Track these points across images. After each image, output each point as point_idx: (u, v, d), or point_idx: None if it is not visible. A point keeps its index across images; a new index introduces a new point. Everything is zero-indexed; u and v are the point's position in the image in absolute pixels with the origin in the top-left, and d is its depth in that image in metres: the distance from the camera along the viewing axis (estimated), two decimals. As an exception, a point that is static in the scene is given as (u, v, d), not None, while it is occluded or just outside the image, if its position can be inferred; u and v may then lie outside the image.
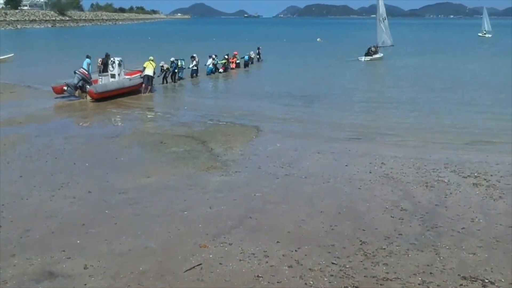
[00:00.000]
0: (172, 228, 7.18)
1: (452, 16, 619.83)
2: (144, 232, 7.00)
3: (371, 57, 37.78)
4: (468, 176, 9.83)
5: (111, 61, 20.46)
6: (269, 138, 13.18)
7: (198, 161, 10.75)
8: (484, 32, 76.48)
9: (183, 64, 25.24)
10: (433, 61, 36.57)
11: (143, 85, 20.67)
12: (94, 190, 8.79)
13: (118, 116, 16.21)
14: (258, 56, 35.96)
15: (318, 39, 66.08)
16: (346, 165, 10.65)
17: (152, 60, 21.15)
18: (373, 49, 38.69)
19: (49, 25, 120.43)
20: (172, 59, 24.45)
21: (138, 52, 34.52)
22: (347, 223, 7.47)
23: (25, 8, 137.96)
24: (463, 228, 7.27)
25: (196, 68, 26.59)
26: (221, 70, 29.29)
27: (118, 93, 19.38)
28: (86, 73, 18.99)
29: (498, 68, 31.58)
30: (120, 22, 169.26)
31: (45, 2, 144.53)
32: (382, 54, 39.04)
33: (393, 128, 14.39)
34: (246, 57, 32.67)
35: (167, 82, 24.14)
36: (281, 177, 9.75)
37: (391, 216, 7.74)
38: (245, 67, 32.36)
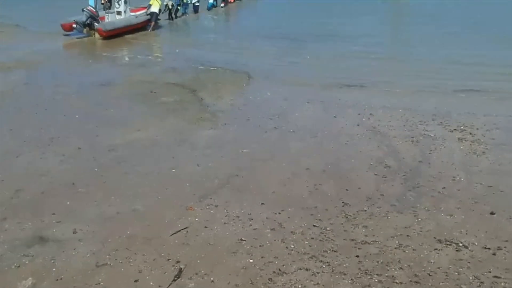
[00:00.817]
0: (160, 188, 7.34)
1: None
2: (132, 193, 7.16)
3: None
4: (455, 130, 9.91)
5: None
6: (260, 86, 13.13)
7: (188, 113, 10.78)
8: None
9: (187, 0, 25.56)
10: None
11: (151, 22, 21.25)
12: (83, 146, 8.87)
13: (111, 61, 16.02)
14: None
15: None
16: (334, 117, 10.71)
17: None
18: None
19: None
20: None
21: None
22: (331, 182, 7.63)
23: None
24: (444, 188, 7.45)
25: (198, 4, 26.78)
26: (222, 4, 29.14)
27: (125, 30, 19.95)
28: (94, 10, 19.14)
29: None
30: None
31: None
32: None
33: (387, 74, 14.30)
34: None
35: (172, 19, 24.71)
36: (269, 130, 9.82)
37: (375, 174, 7.90)
38: None
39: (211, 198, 7.04)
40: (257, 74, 14.20)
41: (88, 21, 19.02)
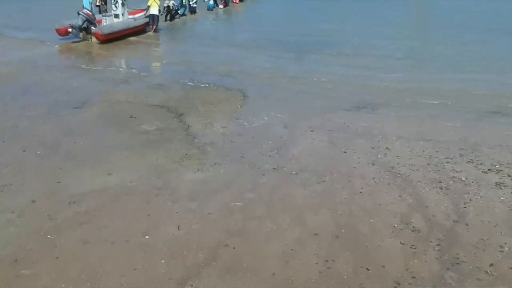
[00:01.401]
0: (127, 267, 5.68)
1: None
2: (89, 276, 5.49)
3: None
4: (489, 170, 8.30)
5: (114, 0, 19.37)
6: (256, 108, 11.46)
7: (171, 147, 9.11)
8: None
9: (186, 1, 24.75)
10: None
11: (150, 25, 20.51)
12: (40, 198, 7.22)
13: (90, 75, 14.28)
14: None
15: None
16: (344, 152, 9.06)
17: None
18: None
19: None
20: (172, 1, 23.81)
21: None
22: (347, 255, 6.00)
23: None
24: (491, 265, 5.80)
25: (195, 5, 25.85)
26: (221, 6, 27.70)
27: (124, 33, 19.09)
28: (90, 13, 18.30)
29: None
30: None
31: None
32: None
33: (400, 93, 12.65)
34: None
35: (171, 20, 23.86)
36: (267, 172, 8.17)
37: (401, 243, 6.25)
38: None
39: (192, 286, 5.37)
40: (253, 92, 12.54)
41: (85, 25, 18.14)
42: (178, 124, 10.32)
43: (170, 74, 14.29)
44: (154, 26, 20.67)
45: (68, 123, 10.29)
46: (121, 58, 16.90)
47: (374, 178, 7.99)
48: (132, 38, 19.80)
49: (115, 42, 18.87)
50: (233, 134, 9.81)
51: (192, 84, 13.28)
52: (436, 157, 8.79)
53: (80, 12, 18.07)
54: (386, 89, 12.96)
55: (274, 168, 8.30)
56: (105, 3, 20.99)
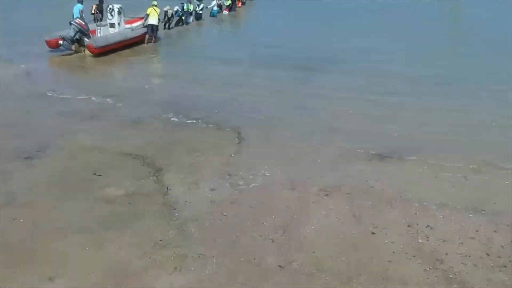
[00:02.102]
0: None
1: None
2: None
3: None
4: None
5: (110, 8, 18.04)
6: (254, 156, 9.19)
7: (142, 227, 6.80)
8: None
9: (189, 8, 23.08)
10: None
11: (147, 35, 18.94)
12: None
13: (54, 107, 11.93)
14: None
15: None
16: (373, 232, 6.75)
17: (155, 6, 19.16)
18: None
19: None
20: (176, 8, 22.43)
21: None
22: None
23: None
24: None
25: (201, 11, 24.39)
26: (225, 11, 26.20)
27: (120, 45, 17.54)
28: (83, 24, 16.85)
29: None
30: None
31: None
32: None
33: (433, 134, 10.34)
34: None
35: (169, 29, 22.21)
36: (271, 273, 5.85)
37: None
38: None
39: None
40: (251, 132, 10.26)
41: (77, 36, 16.73)
42: (155, 185, 8.00)
43: (153, 105, 11.98)
44: (153, 37, 19.04)
45: (11, 186, 7.94)
46: (100, 80, 14.56)
47: (419, 280, 5.68)
48: (127, 50, 17.97)
49: (109, 55, 17.11)
50: (225, 202, 7.52)
51: (176, 120, 10.96)
52: (497, 242, 6.47)
53: (72, 22, 16.63)
54: (415, 126, 10.62)
55: (280, 266, 5.98)
56: (101, 12, 19.11)
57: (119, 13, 18.14)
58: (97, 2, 19.30)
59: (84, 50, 17.02)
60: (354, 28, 22.36)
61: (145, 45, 18.90)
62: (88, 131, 10.20)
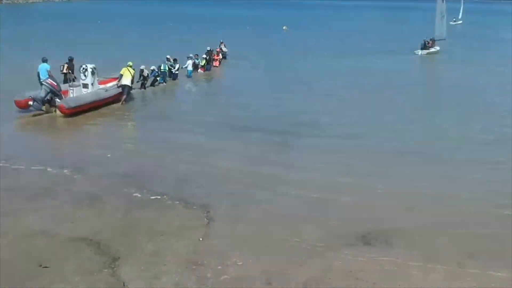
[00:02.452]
0: None
1: None
2: None
3: (427, 51, 36.48)
4: None
5: (83, 68, 17.56)
6: (225, 241, 8.22)
7: None
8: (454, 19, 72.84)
9: (165, 68, 22.88)
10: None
11: (123, 95, 18.47)
12: None
13: (4, 179, 10.73)
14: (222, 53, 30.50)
15: (284, 28, 60.73)
16: None
17: (130, 66, 18.87)
18: (429, 42, 37.17)
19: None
20: (152, 67, 22.35)
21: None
22: None
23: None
24: None
25: (177, 71, 24.18)
26: (200, 71, 26.56)
27: (92, 106, 17.04)
28: (55, 84, 16.39)
29: None
30: None
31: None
32: (438, 48, 37.51)
33: (422, 210, 9.54)
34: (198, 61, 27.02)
35: (145, 88, 21.66)
36: None
37: None
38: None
39: None
40: (221, 211, 9.33)
41: (48, 97, 16.23)
42: (110, 279, 6.88)
43: (115, 177, 10.96)
44: (124, 97, 18.47)
45: None
46: (61, 147, 13.53)
47: None
48: (98, 112, 17.27)
49: (80, 116, 16.53)
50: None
51: (139, 195, 9.93)
52: None
53: (43, 82, 16.11)
54: (399, 204, 9.82)
55: None
56: (72, 71, 18.38)
57: (93, 73, 17.68)
58: (67, 61, 18.50)
59: (54, 111, 16.48)
60: (330, 92, 21.90)
61: (119, 105, 18.34)
62: (38, 210, 9.08)
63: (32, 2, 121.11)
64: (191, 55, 26.09)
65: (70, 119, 16.31)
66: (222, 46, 31.15)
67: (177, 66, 24.36)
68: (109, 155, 12.56)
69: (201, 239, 8.25)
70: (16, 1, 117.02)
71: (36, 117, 16.33)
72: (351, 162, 12.32)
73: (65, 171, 11.27)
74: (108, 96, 18.00)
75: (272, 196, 10.19)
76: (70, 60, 18.69)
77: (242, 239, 8.27)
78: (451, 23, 71.03)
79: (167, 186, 10.55)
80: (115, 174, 11.19)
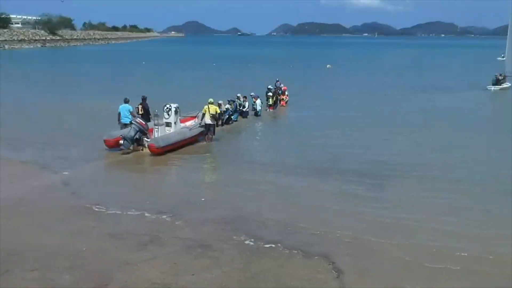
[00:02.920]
0: None
1: (443, 35, 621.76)
2: None
3: (500, 86, 35.70)
4: None
5: (167, 108, 17.95)
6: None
7: None
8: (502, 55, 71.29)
9: (236, 106, 23.15)
10: None
11: (205, 134, 18.76)
12: None
13: (101, 225, 10.32)
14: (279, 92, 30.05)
15: (328, 66, 60.70)
16: None
17: (211, 103, 18.88)
18: (500, 77, 36.42)
19: (39, 45, 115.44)
20: (227, 106, 22.74)
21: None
22: None
23: (15, 26, 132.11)
24: None
25: (247, 109, 24.36)
26: (269, 109, 27.12)
27: (179, 145, 17.34)
28: (143, 123, 16.87)
29: None
30: (113, 41, 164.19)
31: (36, 21, 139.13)
32: (509, 84, 36.61)
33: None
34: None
35: (222, 125, 21.83)
36: None
37: None
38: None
39: None
40: (345, 260, 8.79)
41: (137, 136, 16.55)
42: None
43: (216, 223, 10.42)
44: (211, 136, 18.82)
45: None
46: (152, 190, 13.01)
47: None
48: (182, 151, 17.34)
49: (165, 155, 16.53)
50: None
51: (251, 243, 9.27)
52: None
53: (133, 121, 16.70)
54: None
55: None
56: (145, 110, 18.56)
57: (176, 112, 17.99)
58: (141, 101, 18.67)
59: (142, 149, 16.81)
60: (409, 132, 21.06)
61: (203, 143, 18.63)
62: (151, 261, 8.47)
63: (74, 46, 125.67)
64: (252, 93, 25.83)
65: (157, 158, 16.29)
66: (282, 85, 30.72)
67: (246, 103, 24.11)
68: (203, 199, 11.99)
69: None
70: (58, 44, 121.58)
71: (124, 156, 16.31)
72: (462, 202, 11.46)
73: (164, 216, 10.76)
74: (192, 136, 18.20)
75: (389, 240, 9.37)
76: (144, 99, 18.62)
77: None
78: (499, 58, 69.91)
79: (275, 232, 9.90)
80: (216, 220, 10.61)
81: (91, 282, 7.61)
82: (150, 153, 16.53)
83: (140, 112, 18.29)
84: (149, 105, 18.56)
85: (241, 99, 24.16)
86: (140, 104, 18.55)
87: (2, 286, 7.45)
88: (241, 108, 24.05)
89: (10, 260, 8.40)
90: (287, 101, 29.24)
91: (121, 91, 32.45)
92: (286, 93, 29.55)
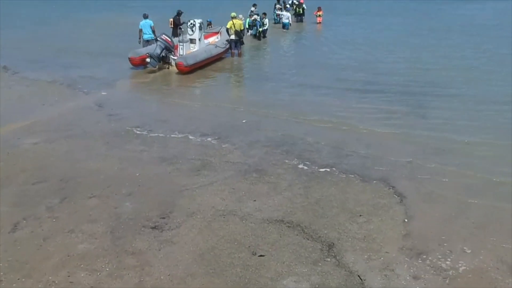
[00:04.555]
0: None
1: None
2: None
3: None
4: None
5: (191, 23, 17.37)
6: (433, 224, 7.34)
7: None
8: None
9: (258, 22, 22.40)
10: None
11: (232, 51, 18.58)
12: None
13: (147, 149, 10.07)
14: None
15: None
16: None
17: (234, 17, 18.41)
18: None
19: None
20: (254, 16, 22.45)
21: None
22: None
23: None
24: None
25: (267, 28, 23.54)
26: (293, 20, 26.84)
27: (206, 63, 16.94)
28: (169, 40, 16.28)
29: None
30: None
31: None
32: None
33: None
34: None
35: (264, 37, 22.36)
36: None
37: None
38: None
39: None
40: (405, 184, 8.63)
41: (163, 53, 16.08)
42: (339, 272, 6.08)
43: (264, 146, 10.15)
44: (239, 51, 18.68)
45: (152, 272, 6.03)
46: (190, 111, 12.66)
47: None
48: (210, 69, 17.03)
49: (193, 74, 16.19)
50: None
51: (306, 168, 9.09)
52: None
53: (158, 39, 16.11)
54: None
55: None
56: (176, 26, 18.10)
57: (200, 28, 17.59)
58: (175, 15, 18.26)
59: (168, 67, 16.47)
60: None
61: (228, 60, 18.33)
62: (208, 186, 8.35)
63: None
64: (277, 5, 25.25)
65: (185, 77, 15.93)
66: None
67: (266, 21, 23.34)
68: (244, 121, 11.72)
69: (406, 220, 7.35)
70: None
71: (151, 75, 15.93)
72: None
73: (209, 139, 10.51)
74: (218, 53, 17.80)
75: (446, 165, 9.21)
76: (178, 13, 18.01)
77: (448, 220, 7.36)
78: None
79: (327, 155, 9.73)
80: (263, 142, 10.41)
81: (154, 210, 7.49)
82: (177, 71, 16.04)
83: (171, 26, 17.67)
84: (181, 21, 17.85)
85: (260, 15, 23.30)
86: (174, 18, 17.93)
87: (65, 212, 7.34)
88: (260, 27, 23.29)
89: (65, 187, 8.23)
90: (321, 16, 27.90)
91: (126, 4, 31.34)
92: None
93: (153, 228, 7.01)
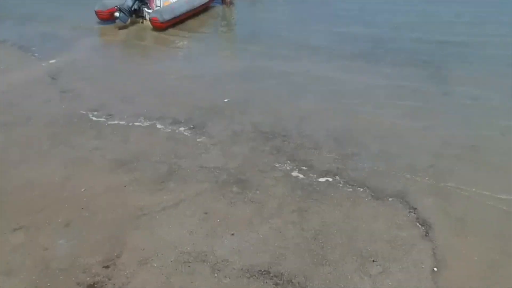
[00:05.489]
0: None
1: None
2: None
3: None
4: None
5: None
6: (471, 272, 5.34)
7: None
8: None
9: None
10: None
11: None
12: None
13: (99, 138, 8.00)
14: None
15: None
16: None
17: None
18: None
19: None
20: None
21: None
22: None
23: None
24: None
25: None
26: None
27: (186, 16, 14.49)
28: None
29: None
30: None
31: None
32: None
33: None
34: None
35: None
36: None
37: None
38: None
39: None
40: (428, 205, 6.51)
41: (136, 6, 13.85)
42: None
43: (252, 140, 8.17)
44: (228, 0, 16.23)
45: None
46: (162, 84, 10.42)
47: None
48: (191, 24, 14.54)
49: (171, 30, 13.86)
50: None
51: (301, 176, 7.08)
52: None
53: None
54: None
55: None
56: None
57: None
58: None
59: (142, 22, 14.17)
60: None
61: (216, 10, 15.97)
62: (173, 208, 6.49)
63: None
64: None
65: (161, 36, 13.54)
66: None
67: None
68: (226, 100, 9.65)
69: (435, 269, 5.43)
70: None
71: (121, 32, 13.66)
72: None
73: (181, 129, 8.60)
74: (202, 3, 15.21)
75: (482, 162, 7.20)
76: None
77: (492, 268, 5.43)
78: None
79: (328, 155, 7.77)
80: (248, 133, 8.45)
81: (96, 252, 5.58)
82: (152, 27, 13.71)
83: None
84: None
85: None
86: None
87: None
88: None
89: None
90: None
91: None
92: None
93: (91, 286, 5.03)
